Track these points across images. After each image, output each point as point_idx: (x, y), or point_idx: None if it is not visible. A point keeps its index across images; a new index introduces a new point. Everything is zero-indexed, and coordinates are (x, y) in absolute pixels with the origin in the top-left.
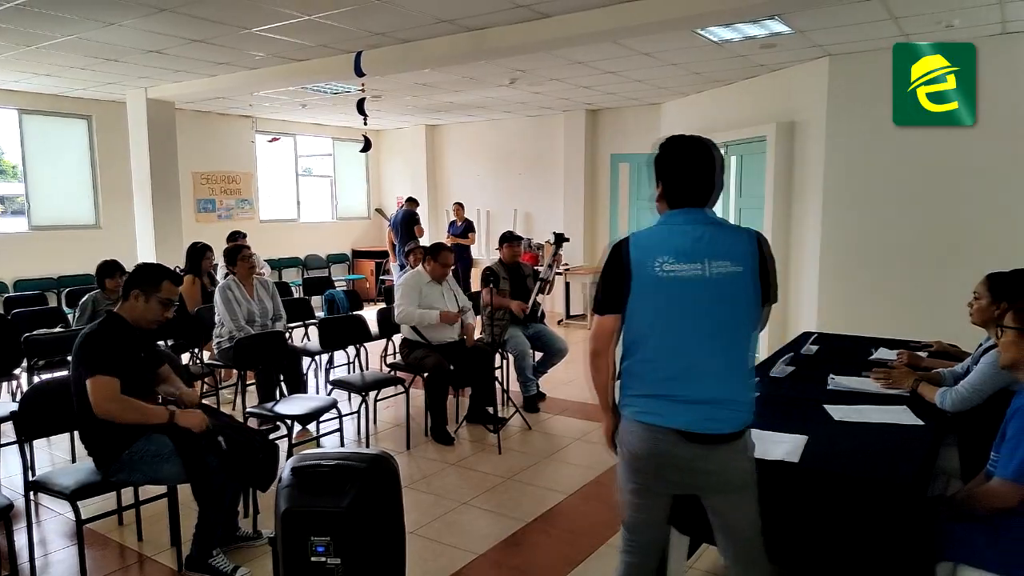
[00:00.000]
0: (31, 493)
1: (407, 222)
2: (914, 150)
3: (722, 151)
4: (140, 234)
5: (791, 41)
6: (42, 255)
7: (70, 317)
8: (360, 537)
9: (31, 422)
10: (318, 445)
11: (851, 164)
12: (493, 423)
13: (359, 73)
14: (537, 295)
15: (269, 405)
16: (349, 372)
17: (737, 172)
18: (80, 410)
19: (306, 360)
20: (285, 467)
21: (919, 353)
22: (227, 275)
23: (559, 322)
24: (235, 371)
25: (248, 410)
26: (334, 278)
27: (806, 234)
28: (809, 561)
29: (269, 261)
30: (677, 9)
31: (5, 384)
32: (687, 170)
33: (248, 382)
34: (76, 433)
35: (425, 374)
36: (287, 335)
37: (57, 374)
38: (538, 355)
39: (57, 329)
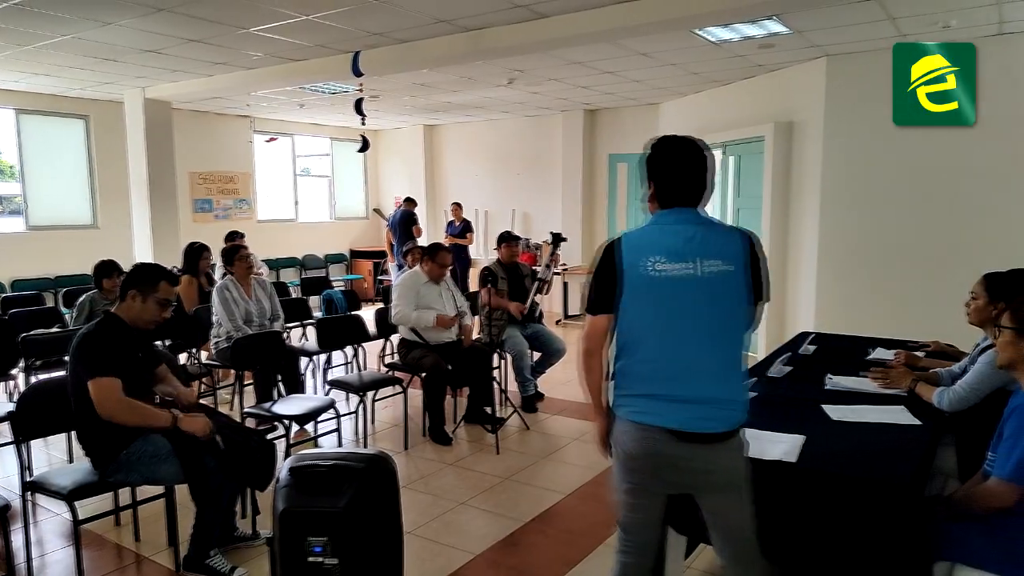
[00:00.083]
0: (28, 493)
1: (405, 222)
2: (913, 150)
3: (720, 151)
4: (137, 234)
5: (789, 41)
6: (39, 255)
7: (67, 317)
8: (358, 537)
9: (28, 422)
10: (316, 445)
11: (849, 164)
12: (491, 423)
13: (357, 73)
14: (535, 295)
15: (267, 405)
16: (347, 372)
17: (735, 172)
18: (78, 410)
19: (304, 360)
20: (283, 467)
21: (916, 353)
22: (225, 275)
23: (557, 322)
24: (233, 371)
25: (246, 410)
26: (332, 278)
27: (804, 234)
28: (807, 561)
29: (267, 261)
30: (675, 9)
31: (2, 384)
32: (678, 170)
33: (246, 382)
34: (73, 433)
35: (423, 374)
36: (285, 335)
37: (54, 374)
38: (536, 355)
39: (54, 329)
